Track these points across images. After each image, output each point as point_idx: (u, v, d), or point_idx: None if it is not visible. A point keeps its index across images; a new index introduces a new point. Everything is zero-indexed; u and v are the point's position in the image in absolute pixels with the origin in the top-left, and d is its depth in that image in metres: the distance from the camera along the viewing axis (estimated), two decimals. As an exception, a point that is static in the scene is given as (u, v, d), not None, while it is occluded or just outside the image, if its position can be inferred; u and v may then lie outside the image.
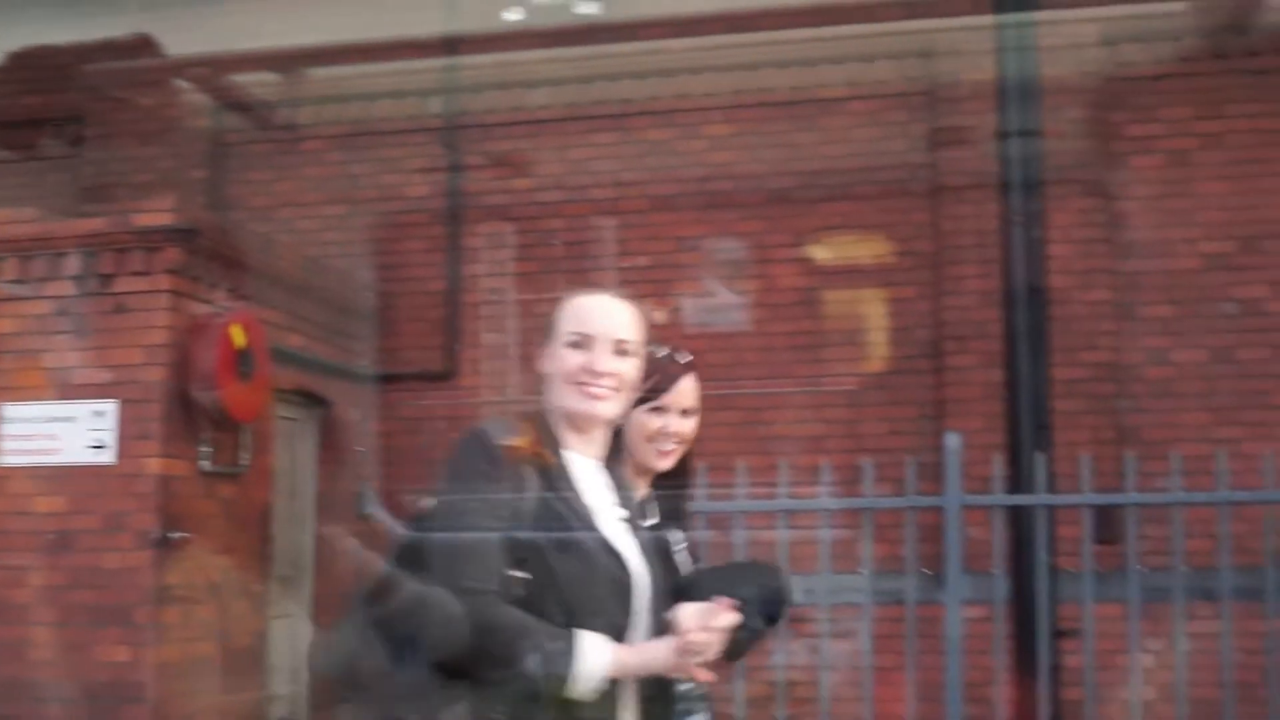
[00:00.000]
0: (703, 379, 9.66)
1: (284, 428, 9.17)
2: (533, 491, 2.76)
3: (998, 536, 5.90)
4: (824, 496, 6.14)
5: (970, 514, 6.28)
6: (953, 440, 5.97)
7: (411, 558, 2.79)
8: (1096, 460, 6.10)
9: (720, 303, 9.64)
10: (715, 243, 9.71)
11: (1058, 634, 5.92)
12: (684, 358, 3.37)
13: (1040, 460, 5.94)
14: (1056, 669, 5.97)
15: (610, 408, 2.90)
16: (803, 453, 8.55)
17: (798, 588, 6.94)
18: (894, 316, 9.30)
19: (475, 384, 9.88)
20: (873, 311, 9.39)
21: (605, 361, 2.89)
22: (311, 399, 9.51)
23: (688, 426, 3.29)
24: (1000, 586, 5.88)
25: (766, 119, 9.75)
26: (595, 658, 2.63)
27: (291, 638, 9.27)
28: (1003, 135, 7.59)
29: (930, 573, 7.01)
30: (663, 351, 3.32)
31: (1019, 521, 6.11)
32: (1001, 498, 5.96)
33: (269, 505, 8.72)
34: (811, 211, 9.57)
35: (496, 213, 10.14)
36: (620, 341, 2.92)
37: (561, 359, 2.94)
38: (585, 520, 2.78)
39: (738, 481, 6.09)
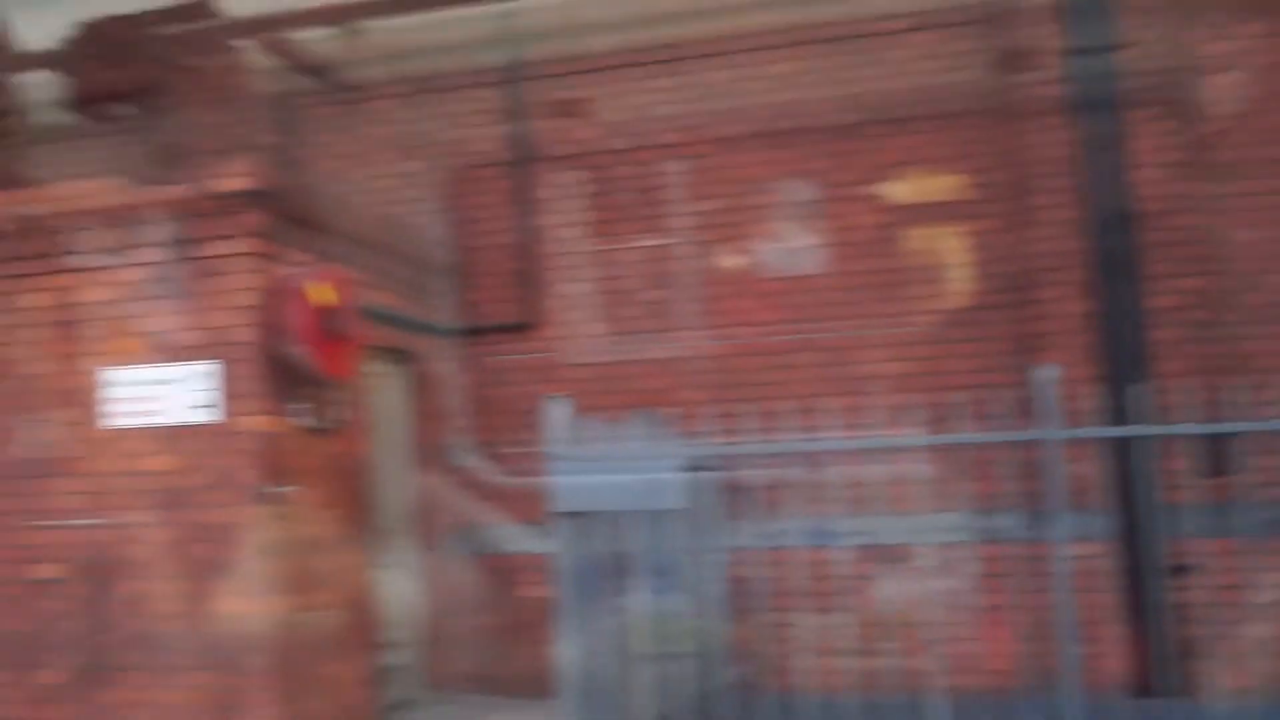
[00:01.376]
0: (782, 321, 9.74)
1: (376, 383, 9.29)
2: None
3: (1101, 471, 5.84)
4: (916, 434, 6.14)
5: (1068, 449, 6.28)
6: (1048, 373, 5.93)
7: None
8: (1200, 390, 6.05)
9: (795, 245, 9.65)
10: (786, 183, 9.71)
11: (1172, 570, 5.88)
12: None
13: (1140, 392, 5.93)
14: (1172, 606, 5.91)
15: None
16: (888, 392, 8.61)
17: (896, 527, 7.02)
18: (974, 250, 9.26)
19: (556, 334, 9.97)
20: (952, 246, 9.35)
21: None
22: (401, 354, 9.64)
23: None
24: (1106, 523, 5.85)
25: (828, 55, 9.70)
26: None
27: (400, 587, 9.46)
28: (1074, 54, 7.49)
29: (1031, 510, 7.03)
30: None
31: (1121, 456, 6.10)
32: (1103, 430, 5.95)
33: (367, 459, 8.87)
34: (882, 147, 9.55)
35: (565, 162, 10.17)
36: None
37: None
38: None
39: (827, 422, 6.10)
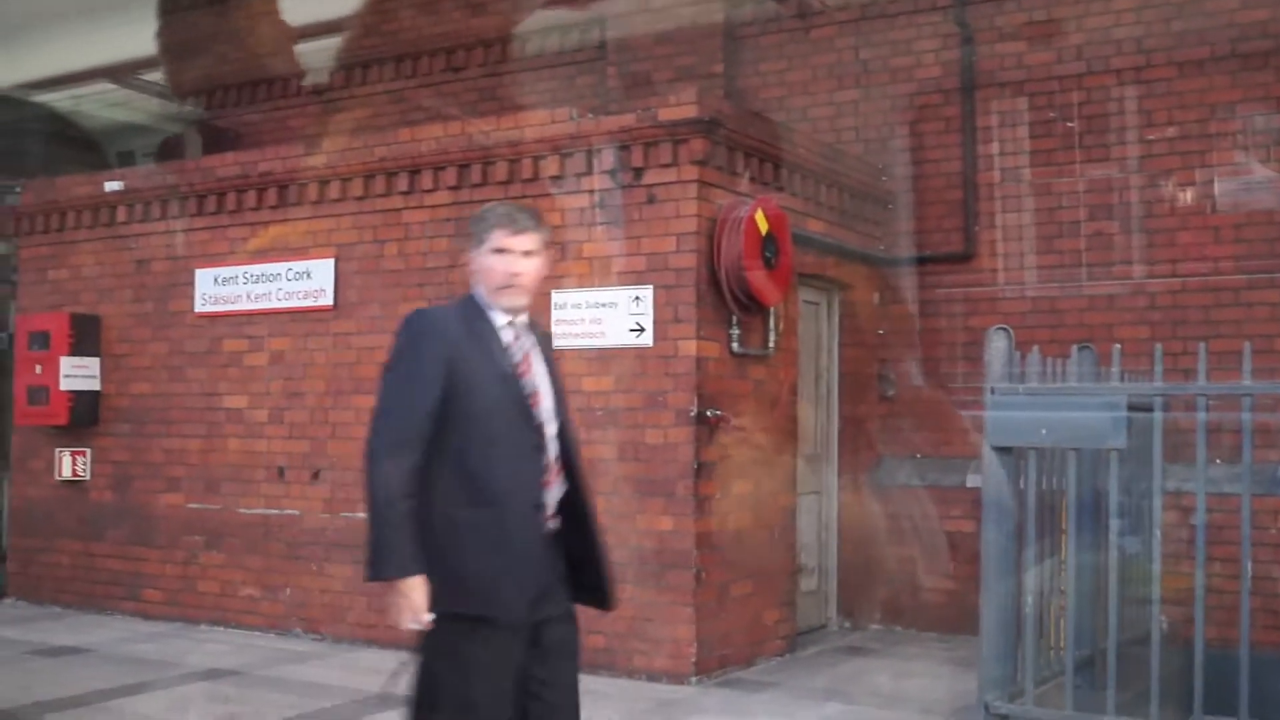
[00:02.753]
0: (1237, 257, 9.04)
1: (806, 311, 9.38)
2: None
3: None
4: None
5: None
6: None
7: None
8: None
9: (1257, 176, 8.99)
10: (1251, 110, 9.04)
11: None
12: None
13: None
14: None
15: None
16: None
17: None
18: None
19: (993, 266, 9.72)
20: None
21: None
22: (832, 283, 9.68)
23: None
24: None
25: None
26: None
27: (818, 514, 9.58)
28: None
29: None
30: None
31: None
32: None
33: (795, 386, 8.98)
34: (1364, 69, 8.74)
35: (1011, 89, 9.86)
36: None
37: None
38: None
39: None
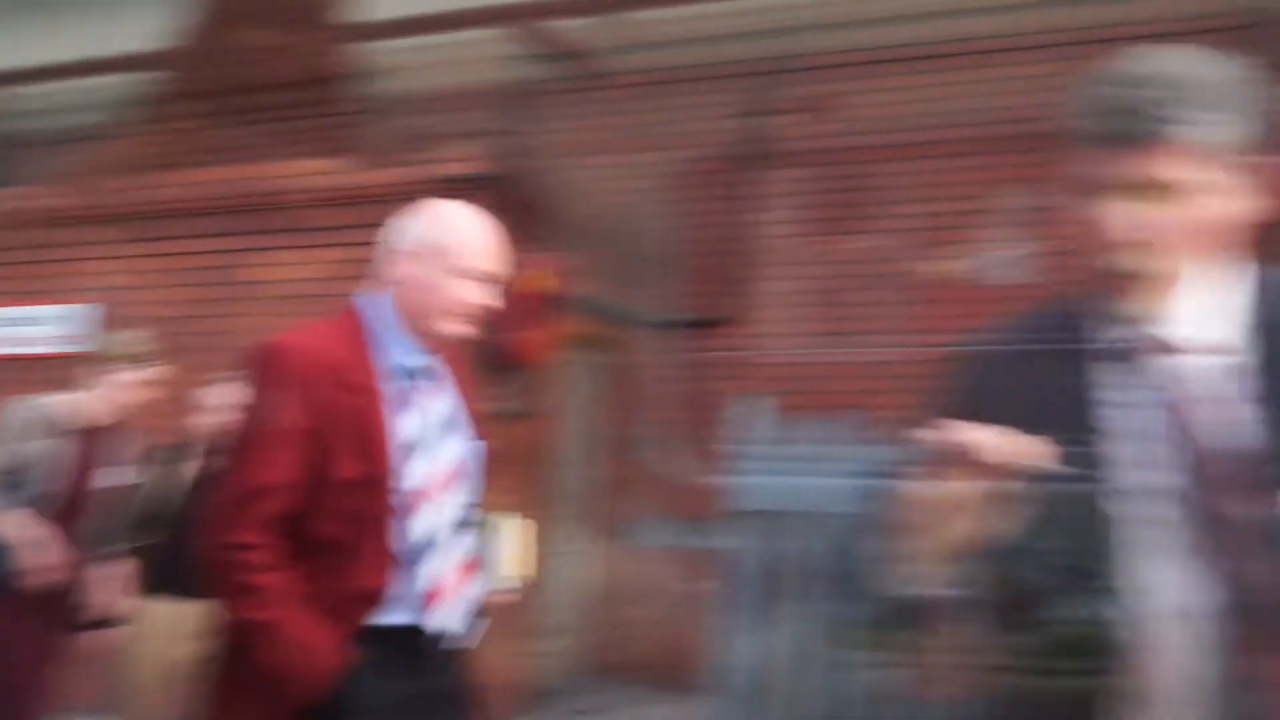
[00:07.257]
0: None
1: (570, 371, 9.36)
2: None
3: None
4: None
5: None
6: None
7: None
8: None
9: (1016, 252, 9.30)
10: (1009, 188, 9.35)
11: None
12: None
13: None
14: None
15: None
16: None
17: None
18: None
19: (759, 331, 9.86)
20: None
21: None
22: (601, 343, 9.68)
23: None
24: None
25: (1089, 57, 9.27)
26: None
27: (578, 572, 9.51)
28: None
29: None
30: None
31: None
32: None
33: (552, 446, 8.93)
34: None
35: (788, 159, 10.04)
36: None
37: None
38: None
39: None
